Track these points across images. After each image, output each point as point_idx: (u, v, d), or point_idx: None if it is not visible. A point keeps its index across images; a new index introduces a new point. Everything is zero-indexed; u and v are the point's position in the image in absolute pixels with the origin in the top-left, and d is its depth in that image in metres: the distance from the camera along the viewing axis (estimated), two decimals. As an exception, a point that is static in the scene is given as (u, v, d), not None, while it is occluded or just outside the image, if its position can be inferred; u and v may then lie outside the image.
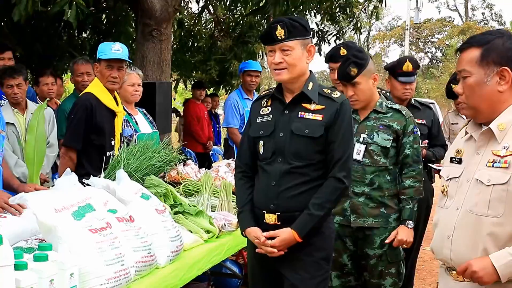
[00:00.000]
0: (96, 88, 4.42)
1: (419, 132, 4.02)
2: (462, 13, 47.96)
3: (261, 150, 3.19)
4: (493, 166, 2.38)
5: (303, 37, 3.08)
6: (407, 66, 4.92)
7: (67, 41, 10.28)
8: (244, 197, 3.25)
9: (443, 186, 2.59)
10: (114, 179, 3.39)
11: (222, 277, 5.06)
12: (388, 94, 4.79)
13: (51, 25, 9.67)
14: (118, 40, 9.69)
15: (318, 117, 3.09)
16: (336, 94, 3.17)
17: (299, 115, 3.12)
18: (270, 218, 3.10)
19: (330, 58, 4.66)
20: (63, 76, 10.45)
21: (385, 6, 11.49)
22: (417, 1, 37.77)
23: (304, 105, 3.13)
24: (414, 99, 5.10)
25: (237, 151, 3.48)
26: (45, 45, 9.44)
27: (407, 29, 35.45)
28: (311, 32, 3.12)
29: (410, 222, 3.88)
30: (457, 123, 6.36)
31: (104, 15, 10.30)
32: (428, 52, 47.71)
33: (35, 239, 2.80)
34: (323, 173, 3.11)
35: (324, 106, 3.11)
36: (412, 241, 3.92)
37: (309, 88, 3.14)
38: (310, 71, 3.20)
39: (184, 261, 3.31)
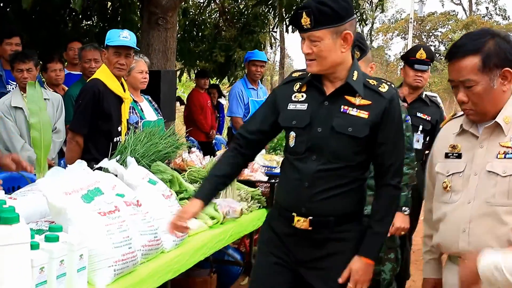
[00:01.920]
0: (103, 74, 4.47)
1: (409, 120, 4.06)
2: (466, 7, 47.85)
3: (291, 143, 2.83)
4: (505, 157, 2.41)
5: (336, 25, 2.62)
6: (421, 54, 4.97)
7: (72, 28, 10.33)
8: (220, 168, 2.96)
9: (444, 182, 2.58)
10: (121, 165, 3.44)
11: (224, 264, 5.11)
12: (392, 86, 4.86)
13: (56, 12, 9.70)
14: (123, 28, 9.80)
15: (364, 114, 2.72)
16: (384, 88, 2.77)
17: (341, 110, 2.74)
18: (301, 222, 2.79)
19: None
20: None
21: (390, -1, 11.52)
22: (421, -6, 37.78)
23: (347, 97, 2.75)
24: (425, 94, 5.15)
25: (247, 120, 3.17)
26: (51, 32, 9.48)
27: (410, 22, 35.39)
28: (352, 14, 2.68)
29: (406, 208, 3.93)
30: None
31: (109, 3, 10.32)
32: (431, 45, 47.67)
33: (45, 221, 2.85)
34: (360, 174, 2.82)
35: (370, 102, 2.73)
36: (408, 227, 3.99)
37: (354, 78, 2.75)
38: (353, 56, 2.80)
39: (189, 246, 3.35)
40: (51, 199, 2.67)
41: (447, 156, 2.61)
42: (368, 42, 4.45)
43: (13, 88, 5.33)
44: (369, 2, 12.27)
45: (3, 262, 1.76)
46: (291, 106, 2.84)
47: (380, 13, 12.75)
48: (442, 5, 66.02)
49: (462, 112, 2.63)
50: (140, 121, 4.92)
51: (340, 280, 2.77)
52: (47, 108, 3.87)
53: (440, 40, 46.40)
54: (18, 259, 1.78)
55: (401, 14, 50.42)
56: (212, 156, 4.93)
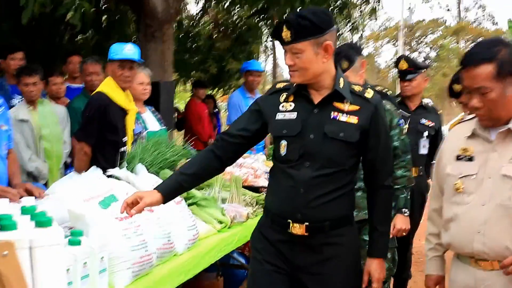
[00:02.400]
0: (107, 87, 4.60)
1: (403, 124, 4.18)
2: (455, 13, 48.26)
3: (282, 151, 2.84)
4: None
5: (316, 36, 2.67)
6: (402, 64, 5.19)
7: (68, 42, 10.48)
8: (190, 167, 2.92)
9: (456, 183, 2.65)
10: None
11: (230, 268, 5.23)
12: (388, 93, 4.98)
13: (52, 26, 9.83)
14: (117, 41, 9.92)
15: (353, 119, 2.78)
16: (369, 94, 2.86)
17: (332, 116, 2.79)
18: (297, 228, 2.80)
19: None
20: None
21: (382, 7, 11.72)
22: (410, 3, 38.19)
23: (336, 104, 2.80)
24: (424, 101, 5.31)
25: (231, 124, 3.11)
26: (47, 45, 9.60)
27: (401, 29, 35.68)
28: (331, 25, 2.75)
29: (406, 210, 4.04)
30: None
31: (104, 16, 10.47)
32: (421, 52, 48.02)
33: (64, 227, 2.97)
34: (352, 177, 2.88)
35: (358, 107, 2.80)
36: (409, 228, 4.08)
37: (341, 86, 2.80)
38: (336, 65, 2.86)
39: (199, 249, 3.48)
40: (71, 206, 2.80)
41: (458, 158, 2.68)
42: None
43: (18, 102, 5.44)
44: (359, 11, 12.46)
45: (39, 263, 1.88)
46: (279, 116, 2.87)
47: (374, 20, 12.96)
48: (431, 11, 66.41)
49: (470, 116, 2.74)
50: (144, 131, 5.04)
51: (364, 286, 2.91)
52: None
53: (430, 46, 46.74)
54: (53, 260, 1.91)
55: (390, 22, 50.77)
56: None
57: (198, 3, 11.01)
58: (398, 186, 3.98)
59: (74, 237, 2.45)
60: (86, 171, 3.41)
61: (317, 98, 2.82)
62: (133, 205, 2.69)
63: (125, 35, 10.19)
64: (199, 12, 11.61)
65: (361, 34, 45.43)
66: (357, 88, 2.85)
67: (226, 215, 3.90)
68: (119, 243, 2.76)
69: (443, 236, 2.77)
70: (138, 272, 2.84)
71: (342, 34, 12.66)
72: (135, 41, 9.92)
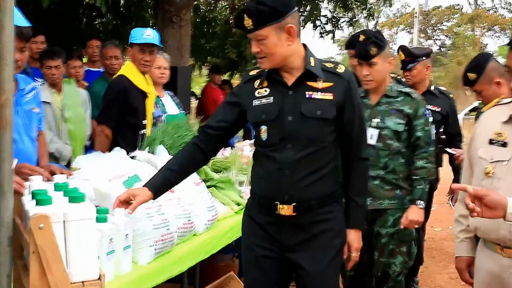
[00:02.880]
0: (128, 70, 4.69)
1: (430, 115, 4.11)
2: (471, 0, 47.88)
3: (263, 136, 2.88)
4: None
5: (276, 21, 2.70)
6: (400, 56, 5.22)
7: (86, 26, 10.58)
8: (175, 162, 2.96)
9: (486, 167, 2.62)
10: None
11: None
12: (401, 79, 5.02)
13: (71, 10, 9.93)
14: (135, 26, 10.02)
15: (328, 96, 2.82)
16: (341, 69, 2.87)
17: (307, 96, 2.82)
18: (285, 209, 2.84)
19: (350, 44, 4.83)
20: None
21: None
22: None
23: (309, 83, 2.83)
24: (434, 87, 5.30)
25: (210, 116, 3.14)
26: (66, 29, 9.71)
27: (415, 16, 35.48)
28: (292, 7, 2.75)
29: (421, 202, 3.93)
30: None
31: (122, 1, 10.56)
32: (437, 39, 47.78)
33: (90, 205, 3.09)
34: (333, 154, 2.90)
35: (331, 84, 2.83)
36: (422, 221, 4.01)
37: (312, 64, 2.83)
38: (304, 45, 2.89)
39: (218, 230, 3.61)
40: (97, 185, 2.92)
41: (491, 142, 2.63)
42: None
43: (40, 85, 5.55)
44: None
45: (72, 235, 1.99)
46: (256, 102, 2.89)
47: (388, 6, 12.95)
48: (447, -1, 65.89)
49: (508, 100, 2.69)
50: (163, 115, 5.13)
51: (345, 256, 2.96)
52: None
53: (446, 34, 46.48)
54: (85, 233, 2.02)
55: (405, 9, 50.50)
56: (231, 148, 5.16)
57: (215, -12, 11.08)
58: (417, 177, 3.94)
59: (101, 214, 2.56)
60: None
61: (290, 80, 2.85)
62: (126, 202, 2.72)
63: (143, 19, 10.26)
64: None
65: (376, 21, 45.47)
66: (328, 65, 2.87)
67: (244, 197, 4.00)
68: (142, 222, 2.88)
69: (470, 220, 2.74)
70: (160, 250, 2.96)
71: (357, 20, 12.66)
72: (152, 26, 10.04)
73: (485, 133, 2.70)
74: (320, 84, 2.82)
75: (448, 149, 4.82)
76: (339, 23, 11.53)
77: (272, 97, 2.85)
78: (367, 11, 11.72)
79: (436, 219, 8.02)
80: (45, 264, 1.87)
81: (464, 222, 2.90)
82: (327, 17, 11.33)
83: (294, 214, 2.83)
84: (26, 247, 1.99)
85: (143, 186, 2.83)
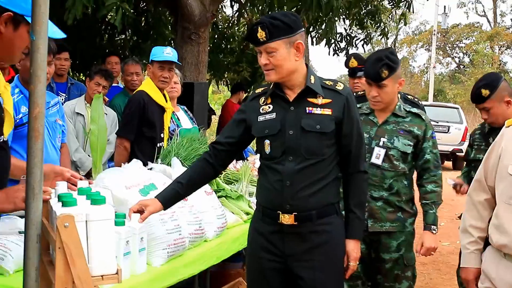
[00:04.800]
0: (148, 86, 4.97)
1: (436, 137, 4.02)
2: (490, 18, 47.89)
3: (267, 150, 3.07)
4: None
5: (288, 36, 2.92)
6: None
7: (107, 41, 10.91)
8: (185, 176, 3.18)
9: None
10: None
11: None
12: (407, 96, 4.97)
13: (92, 26, 10.24)
14: (155, 42, 10.34)
15: (327, 111, 3.01)
16: (340, 86, 3.09)
17: (307, 111, 3.02)
18: (286, 218, 3.01)
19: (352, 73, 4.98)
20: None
21: (413, 12, 11.90)
22: (444, 7, 38.02)
23: (310, 100, 3.04)
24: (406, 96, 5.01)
25: (220, 133, 3.36)
26: (88, 44, 10.02)
27: (434, 34, 35.60)
28: (301, 27, 3.01)
29: (435, 227, 3.86)
30: None
31: (143, 18, 10.86)
32: (455, 57, 47.78)
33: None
34: (333, 167, 3.07)
35: (330, 100, 3.03)
36: (437, 247, 3.95)
37: (312, 81, 3.04)
38: (307, 64, 3.10)
39: (227, 237, 3.84)
40: (115, 192, 3.18)
41: None
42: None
43: (63, 99, 5.85)
44: (391, 16, 12.69)
45: (93, 234, 2.24)
46: (260, 118, 3.10)
47: (404, 25, 13.11)
48: (467, 17, 65.93)
49: None
50: (177, 129, 5.39)
51: (345, 265, 3.11)
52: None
53: (464, 51, 46.50)
54: (105, 232, 2.27)
55: (425, 26, 50.63)
56: (243, 161, 5.40)
57: (233, 6, 11.31)
58: (427, 202, 3.88)
59: (119, 218, 2.81)
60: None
61: (291, 96, 3.06)
62: (138, 212, 2.94)
63: (162, 36, 10.55)
64: (234, 14, 11.94)
65: (395, 38, 45.58)
66: (328, 83, 3.08)
67: (252, 207, 4.24)
68: (156, 226, 3.13)
69: (494, 235, 2.79)
70: (172, 253, 3.21)
71: (372, 38, 12.88)
72: (171, 42, 10.34)
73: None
74: (319, 100, 3.03)
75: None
76: (353, 40, 11.74)
77: (275, 113, 3.06)
78: (382, 29, 11.92)
79: (445, 234, 8.21)
80: (69, 258, 2.12)
81: (475, 234, 2.97)
82: (342, 34, 11.57)
83: (295, 223, 3.01)
84: (52, 244, 2.24)
85: (155, 197, 3.06)
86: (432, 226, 3.86)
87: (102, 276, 2.25)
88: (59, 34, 2.42)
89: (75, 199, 2.28)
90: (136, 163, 3.63)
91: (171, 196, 3.10)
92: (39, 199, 2.17)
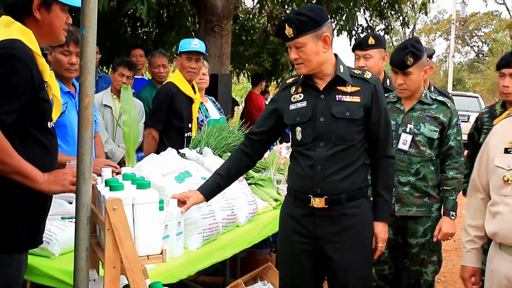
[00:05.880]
0: (176, 78, 5.10)
1: (460, 125, 4.08)
2: (510, 6, 47.48)
3: (298, 136, 3.19)
4: None
5: (314, 30, 3.03)
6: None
7: (131, 34, 11.05)
8: (224, 167, 3.35)
9: (505, 175, 2.75)
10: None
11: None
12: (434, 86, 5.02)
13: (115, 20, 10.39)
14: (177, 34, 10.45)
15: (356, 99, 3.13)
16: (368, 75, 3.20)
17: (337, 99, 3.13)
18: (317, 202, 3.13)
19: (358, 45, 4.71)
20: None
21: (433, 1, 11.93)
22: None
23: (339, 88, 3.15)
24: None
25: (255, 123, 3.48)
26: (112, 37, 10.17)
27: (453, 23, 35.40)
28: (326, 19, 3.10)
29: (454, 213, 3.92)
30: None
31: (165, 10, 10.99)
32: (474, 46, 47.50)
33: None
34: (361, 153, 3.18)
35: (359, 88, 3.15)
36: (455, 232, 3.98)
37: (342, 71, 3.15)
38: (335, 54, 3.20)
39: (258, 222, 3.96)
40: (153, 179, 3.30)
41: (507, 151, 2.78)
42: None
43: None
44: (410, 6, 12.72)
45: (139, 216, 2.38)
46: (292, 107, 3.21)
47: (424, 14, 13.12)
48: (486, 5, 65.31)
49: None
50: (205, 119, 5.51)
51: (373, 246, 3.24)
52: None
53: (483, 40, 46.21)
54: (150, 215, 2.40)
55: (443, 15, 50.28)
56: (269, 150, 5.52)
57: (254, -2, 11.46)
58: (448, 188, 3.95)
59: (159, 204, 2.93)
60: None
61: (321, 85, 3.18)
62: (180, 203, 3.12)
63: (185, 28, 10.67)
64: (255, 6, 12.05)
65: (413, 28, 45.39)
66: (356, 72, 3.21)
67: (281, 194, 4.36)
68: (192, 212, 3.25)
69: (487, 225, 2.86)
70: (208, 237, 3.34)
71: (393, 28, 12.92)
72: (193, 34, 10.46)
73: (500, 143, 2.86)
74: (349, 88, 3.15)
75: None
76: (374, 31, 11.79)
77: (305, 101, 3.19)
78: (402, 19, 11.96)
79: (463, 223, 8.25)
80: (117, 239, 2.26)
81: (472, 233, 3.01)
82: (363, 25, 11.64)
83: (326, 206, 3.13)
84: (101, 226, 2.37)
85: (197, 189, 3.24)
86: (451, 212, 3.93)
87: (147, 256, 2.39)
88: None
89: (122, 183, 2.41)
90: (171, 151, 3.77)
91: (213, 188, 3.27)
92: (89, 184, 2.32)
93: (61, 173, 2.52)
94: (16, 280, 2.60)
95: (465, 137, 4.37)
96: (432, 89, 4.89)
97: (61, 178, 2.49)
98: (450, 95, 5.00)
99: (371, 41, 4.54)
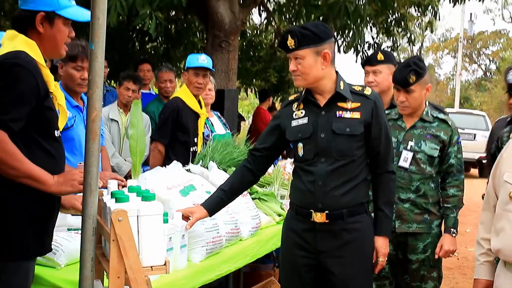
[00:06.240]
0: (183, 93, 5.17)
1: (461, 143, 4.10)
2: (517, 25, 47.52)
3: (300, 152, 3.24)
4: None
5: (315, 45, 3.11)
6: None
7: (139, 49, 11.17)
8: (228, 183, 3.42)
9: (511, 191, 2.74)
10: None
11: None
12: (428, 102, 5.08)
13: (124, 34, 10.50)
14: (185, 49, 10.56)
15: (356, 115, 3.17)
16: (368, 91, 3.25)
17: (337, 115, 3.18)
18: (318, 217, 3.18)
19: (367, 61, 4.75)
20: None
21: (439, 19, 11.99)
22: (471, 14, 37.88)
23: (339, 104, 3.20)
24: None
25: (258, 138, 3.55)
26: (120, 51, 10.27)
27: (460, 41, 35.49)
28: (330, 37, 3.19)
29: (455, 230, 3.95)
30: None
31: (173, 26, 11.10)
32: (481, 64, 47.52)
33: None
34: (362, 168, 3.23)
35: (359, 104, 3.19)
36: (456, 249, 4.01)
37: (342, 87, 3.19)
38: (336, 72, 3.26)
39: (261, 237, 4.00)
40: (158, 192, 3.35)
41: None
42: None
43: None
44: (417, 24, 12.79)
45: (145, 227, 2.43)
46: (294, 123, 3.27)
47: (430, 32, 13.18)
48: (493, 24, 65.48)
49: None
50: (211, 134, 5.57)
51: (374, 259, 3.26)
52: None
53: (491, 58, 46.22)
54: (154, 226, 2.45)
55: (450, 33, 50.33)
56: (273, 166, 5.56)
57: (261, 15, 11.53)
58: (449, 205, 3.98)
59: (163, 216, 2.98)
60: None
61: (322, 101, 3.24)
62: (185, 218, 3.15)
63: (192, 44, 10.77)
64: (262, 22, 12.15)
65: (421, 45, 45.47)
66: (357, 88, 3.26)
67: (284, 209, 4.40)
68: (196, 225, 3.28)
69: (492, 242, 2.85)
70: (211, 250, 3.38)
71: (399, 45, 12.99)
72: (200, 50, 10.56)
73: (511, 158, 2.85)
74: (349, 105, 3.20)
75: None
76: (381, 48, 11.85)
77: (307, 118, 3.25)
78: (408, 37, 12.03)
79: (471, 240, 8.26)
80: (122, 250, 2.31)
81: (485, 246, 2.98)
82: (369, 43, 11.71)
83: (327, 221, 3.18)
84: (107, 237, 2.42)
85: (200, 205, 3.30)
86: (452, 229, 3.96)
87: (151, 267, 2.44)
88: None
89: (127, 195, 2.47)
90: (176, 165, 3.82)
91: (216, 203, 3.34)
92: (95, 195, 2.38)
93: (70, 174, 2.59)
94: None
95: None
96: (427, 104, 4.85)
97: (70, 179, 2.56)
98: (445, 109, 4.96)
99: (380, 56, 4.60)
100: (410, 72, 3.90)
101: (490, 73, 45.80)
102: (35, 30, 2.70)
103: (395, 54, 12.73)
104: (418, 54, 44.52)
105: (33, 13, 2.69)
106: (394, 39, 12.18)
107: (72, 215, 3.18)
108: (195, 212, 3.21)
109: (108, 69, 6.73)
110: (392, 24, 11.48)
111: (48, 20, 2.71)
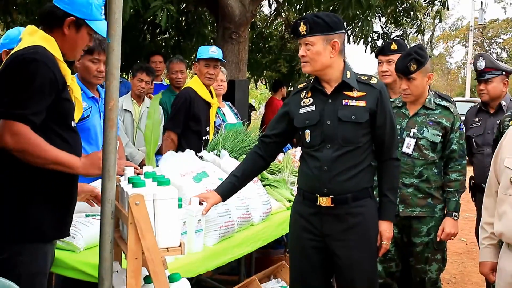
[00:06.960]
0: (195, 83, 5.29)
1: (463, 129, 4.22)
2: (529, 13, 47.21)
3: (307, 139, 3.35)
4: None
5: (326, 33, 3.21)
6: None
7: (150, 41, 11.26)
8: (240, 169, 3.55)
9: (511, 177, 2.84)
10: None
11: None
12: (434, 91, 5.07)
13: (135, 27, 10.60)
14: (195, 41, 10.63)
15: (362, 103, 3.28)
16: (374, 80, 3.35)
17: (343, 103, 3.29)
18: (324, 201, 3.28)
19: (381, 51, 4.83)
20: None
21: (448, 9, 12.01)
22: (481, 2, 37.67)
23: (346, 93, 3.30)
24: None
25: (268, 125, 3.66)
26: (132, 44, 10.37)
27: (471, 30, 35.35)
28: (341, 28, 3.29)
29: (456, 214, 4.08)
30: None
31: (183, 18, 11.18)
32: (493, 53, 47.24)
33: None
34: (367, 154, 3.33)
35: (365, 93, 3.30)
36: (457, 232, 4.13)
37: (348, 76, 3.30)
38: (345, 62, 3.35)
39: (272, 222, 4.13)
40: (172, 179, 3.46)
41: None
42: (428, 50, 4.45)
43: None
44: (426, 13, 12.81)
45: (161, 211, 2.55)
46: (301, 111, 3.38)
47: (439, 22, 13.19)
48: (504, 12, 65.02)
49: None
50: (223, 124, 5.69)
51: (378, 244, 3.37)
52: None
53: (502, 47, 45.99)
54: (169, 210, 2.57)
55: (461, 22, 50.14)
56: (284, 153, 5.68)
57: (271, 6, 11.59)
58: (451, 190, 4.09)
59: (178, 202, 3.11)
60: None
61: (329, 90, 3.35)
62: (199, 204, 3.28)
63: (203, 35, 10.85)
64: (272, 14, 12.22)
65: (432, 34, 45.31)
66: (363, 77, 3.37)
67: (294, 195, 4.50)
68: (209, 210, 3.42)
69: (495, 226, 2.95)
70: (223, 235, 3.51)
71: (409, 35, 13.03)
72: (211, 42, 10.65)
73: (511, 145, 2.95)
74: (355, 93, 3.31)
75: None
76: (390, 38, 11.90)
77: (314, 105, 3.37)
78: (417, 26, 12.06)
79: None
80: (139, 232, 2.43)
81: (488, 230, 3.10)
82: (379, 33, 11.75)
83: (332, 205, 3.29)
84: (124, 220, 2.55)
85: (214, 190, 3.44)
86: (454, 213, 4.08)
87: (167, 248, 2.56)
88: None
89: (143, 181, 2.60)
90: (189, 152, 3.95)
91: (229, 189, 3.47)
92: (113, 181, 2.50)
93: (96, 156, 2.70)
94: (42, 270, 2.76)
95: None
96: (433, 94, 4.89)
97: (97, 162, 2.67)
98: (452, 99, 5.03)
99: (394, 46, 4.69)
100: (411, 61, 4.01)
101: (502, 61, 45.52)
102: (60, 30, 2.83)
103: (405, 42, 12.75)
104: (429, 43, 44.32)
105: (64, 15, 2.82)
106: (404, 29, 12.21)
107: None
108: (209, 197, 3.34)
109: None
110: (401, 14, 11.51)
111: (76, 25, 2.85)
